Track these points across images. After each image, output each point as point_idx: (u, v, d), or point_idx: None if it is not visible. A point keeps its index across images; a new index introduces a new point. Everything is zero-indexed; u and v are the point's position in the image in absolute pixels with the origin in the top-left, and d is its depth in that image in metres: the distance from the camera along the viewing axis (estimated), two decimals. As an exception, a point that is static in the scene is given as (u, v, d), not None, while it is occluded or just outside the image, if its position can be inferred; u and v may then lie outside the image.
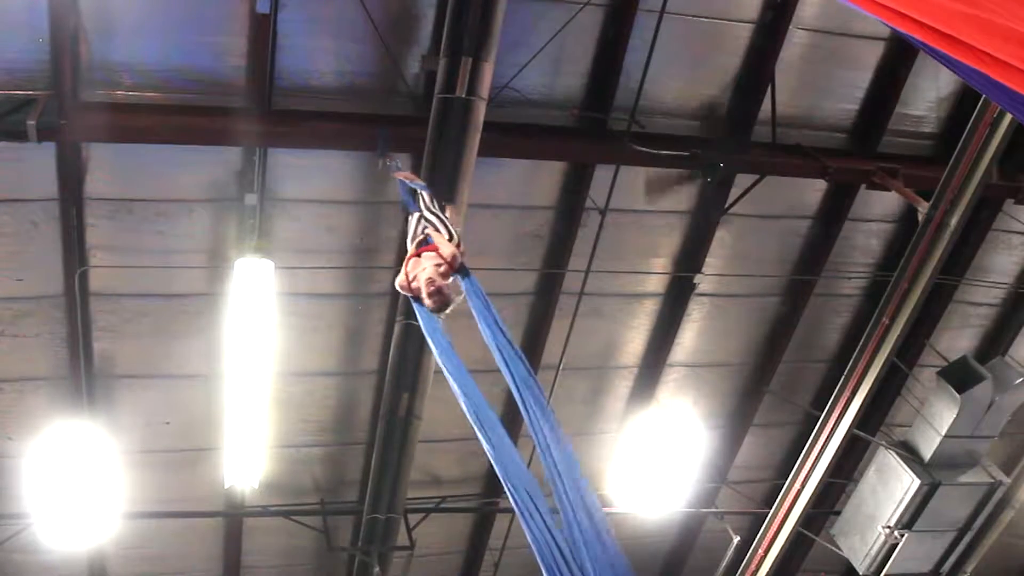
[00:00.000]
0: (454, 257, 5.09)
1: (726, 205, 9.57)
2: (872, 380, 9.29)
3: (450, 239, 5.30)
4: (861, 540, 10.56)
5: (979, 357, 10.66)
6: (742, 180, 9.39)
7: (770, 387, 11.25)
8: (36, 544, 9.66)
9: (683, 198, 9.68)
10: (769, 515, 10.44)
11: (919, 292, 8.87)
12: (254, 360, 8.56)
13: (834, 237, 10.22)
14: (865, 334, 9.34)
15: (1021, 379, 9.96)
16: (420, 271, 5.09)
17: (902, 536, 10.20)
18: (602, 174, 8.98)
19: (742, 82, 9.08)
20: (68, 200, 7.99)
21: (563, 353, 9.88)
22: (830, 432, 9.67)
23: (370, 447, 10.10)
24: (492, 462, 4.08)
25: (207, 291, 8.83)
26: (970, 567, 11.01)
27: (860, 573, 10.67)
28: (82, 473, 9.01)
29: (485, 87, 7.48)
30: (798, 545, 12.04)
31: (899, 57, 9.19)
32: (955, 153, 8.44)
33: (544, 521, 3.71)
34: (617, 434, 11.10)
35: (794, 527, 10.24)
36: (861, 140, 9.74)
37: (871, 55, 9.28)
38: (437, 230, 5.42)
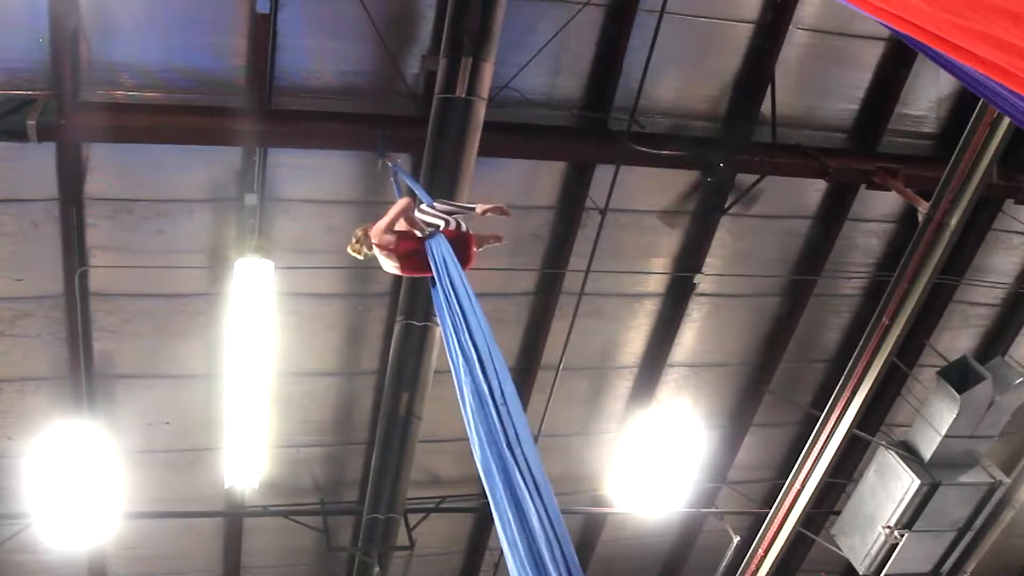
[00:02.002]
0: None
1: (726, 205, 9.57)
2: (872, 380, 9.29)
3: (456, 228, 5.62)
4: (861, 540, 10.56)
5: (979, 357, 10.66)
6: (742, 180, 9.40)
7: (770, 387, 11.24)
8: (36, 544, 9.66)
9: (683, 198, 9.68)
10: (769, 515, 10.44)
11: (919, 292, 8.87)
12: (254, 360, 8.56)
13: (834, 237, 10.22)
14: (865, 334, 9.34)
15: (1021, 379, 9.96)
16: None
17: (902, 536, 10.21)
18: (602, 174, 8.98)
19: (742, 82, 9.08)
20: (68, 200, 8.00)
21: (563, 353, 9.88)
22: (830, 432, 9.67)
23: (370, 447, 10.11)
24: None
25: (207, 291, 8.84)
26: (970, 567, 11.01)
27: (860, 573, 10.67)
28: (82, 473, 9.01)
29: (485, 87, 7.49)
30: (798, 545, 12.04)
31: (899, 57, 9.19)
32: (955, 153, 8.45)
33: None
34: (617, 434, 11.10)
35: (794, 527, 10.25)
36: (861, 140, 9.74)
37: (871, 55, 9.28)
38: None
